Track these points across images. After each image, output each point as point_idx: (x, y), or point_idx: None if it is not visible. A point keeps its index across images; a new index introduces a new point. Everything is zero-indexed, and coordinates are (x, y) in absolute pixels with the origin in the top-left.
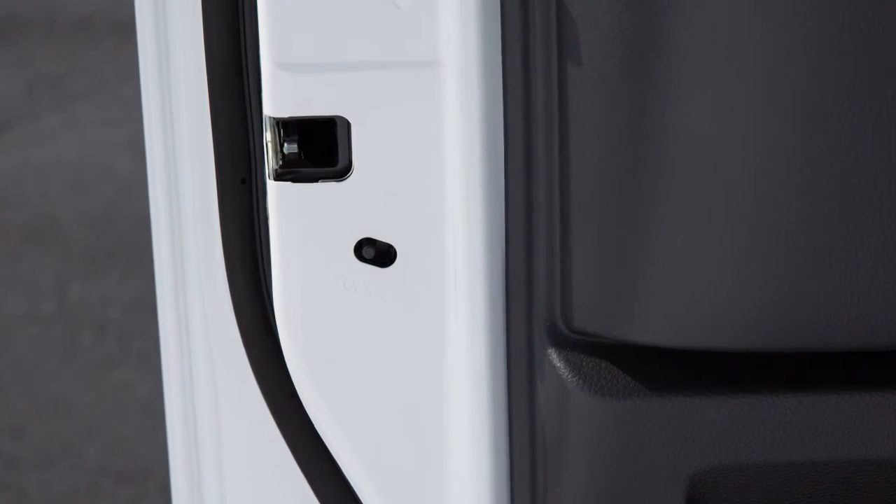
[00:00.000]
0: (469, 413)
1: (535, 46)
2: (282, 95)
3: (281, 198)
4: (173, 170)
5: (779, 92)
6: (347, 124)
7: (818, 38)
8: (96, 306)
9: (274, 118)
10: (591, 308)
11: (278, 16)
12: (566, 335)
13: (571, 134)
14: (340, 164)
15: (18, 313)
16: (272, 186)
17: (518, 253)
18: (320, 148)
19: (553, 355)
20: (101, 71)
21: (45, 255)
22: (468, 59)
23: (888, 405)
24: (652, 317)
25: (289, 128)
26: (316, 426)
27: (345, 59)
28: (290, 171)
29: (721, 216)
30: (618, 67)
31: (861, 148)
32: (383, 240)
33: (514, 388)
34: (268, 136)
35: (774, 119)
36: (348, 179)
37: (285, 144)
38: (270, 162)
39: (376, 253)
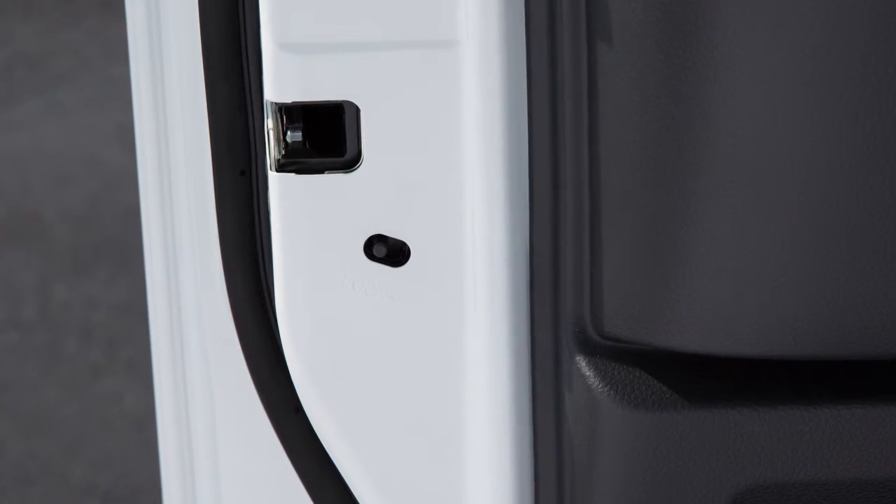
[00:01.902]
0: (490, 426)
1: (561, 24)
2: (284, 78)
3: (283, 191)
4: (166, 160)
5: (832, 74)
6: (356, 110)
7: (876, 12)
8: (81, 310)
9: (276, 103)
10: (624, 312)
11: None
12: (596, 341)
13: (602, 121)
14: (349, 154)
15: None
16: (274, 178)
17: (544, 251)
18: (327, 136)
19: (582, 363)
20: (86, 50)
21: (25, 253)
22: (489, 38)
23: None
24: (690, 322)
25: (292, 114)
26: (322, 442)
27: (353, 39)
28: (293, 162)
29: (767, 212)
30: (652, 48)
31: None
32: (396, 237)
33: (540, 399)
34: (269, 123)
35: (827, 104)
36: (357, 171)
37: (288, 132)
38: (272, 152)
39: (388, 251)
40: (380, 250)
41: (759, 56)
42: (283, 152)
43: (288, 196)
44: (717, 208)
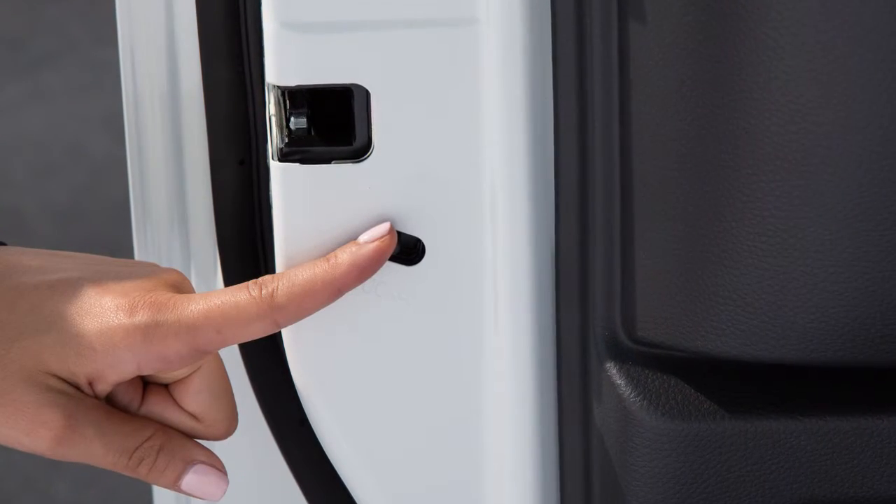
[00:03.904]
0: (512, 440)
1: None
2: (288, 60)
3: (287, 182)
4: (157, 150)
5: (893, 55)
6: (366, 94)
7: None
8: None
9: (278, 87)
10: (658, 314)
11: None
12: (628, 346)
13: (634, 107)
14: (358, 143)
15: None
16: (276, 169)
17: (571, 248)
18: (334, 123)
19: (612, 371)
20: (71, 30)
21: None
22: (512, 15)
23: None
24: (731, 325)
25: (296, 99)
26: (329, 457)
27: (363, 17)
28: (297, 151)
29: (816, 208)
30: (690, 26)
31: None
32: (409, 232)
33: (566, 409)
34: (271, 108)
35: (886, 90)
36: (367, 160)
37: (292, 119)
38: (274, 140)
39: (401, 248)
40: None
41: (810, 36)
42: (287, 140)
43: (291, 188)
44: (762, 202)
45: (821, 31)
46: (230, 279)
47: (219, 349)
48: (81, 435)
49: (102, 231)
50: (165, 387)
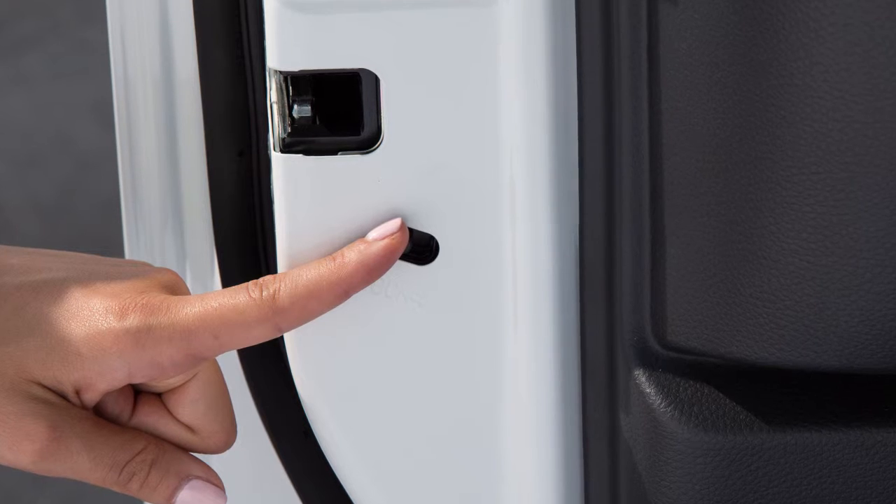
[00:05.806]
0: (533, 452)
1: None
2: (291, 43)
3: (289, 175)
4: (150, 140)
5: None
6: (375, 80)
7: None
8: None
9: (280, 72)
10: (691, 318)
11: None
12: (658, 352)
13: (664, 94)
14: (366, 132)
15: None
16: (278, 161)
17: (596, 246)
18: (340, 111)
19: (641, 378)
20: (57, 9)
21: None
22: None
23: None
24: (769, 330)
25: (300, 85)
26: (335, 471)
27: None
28: (301, 141)
29: (862, 204)
30: (725, 7)
31: None
32: (422, 229)
33: (591, 420)
34: (273, 95)
35: None
36: (376, 151)
37: (295, 106)
38: (276, 129)
39: (413, 246)
40: None
41: (855, 16)
42: (289, 130)
43: (294, 181)
44: (802, 196)
45: (867, 10)
46: (228, 280)
47: (216, 355)
48: (67, 448)
49: (91, 228)
50: (158, 396)
